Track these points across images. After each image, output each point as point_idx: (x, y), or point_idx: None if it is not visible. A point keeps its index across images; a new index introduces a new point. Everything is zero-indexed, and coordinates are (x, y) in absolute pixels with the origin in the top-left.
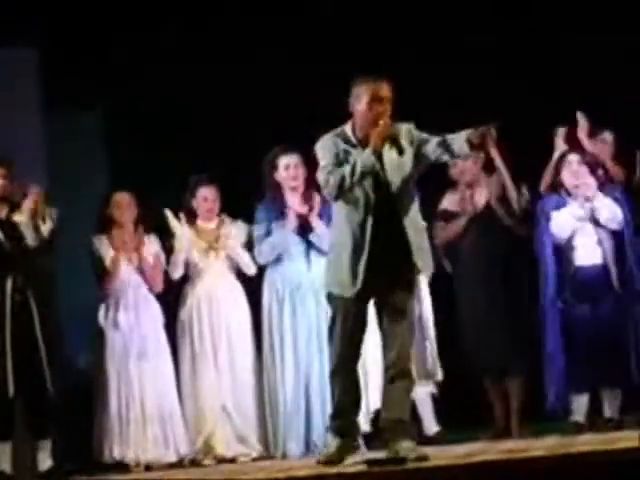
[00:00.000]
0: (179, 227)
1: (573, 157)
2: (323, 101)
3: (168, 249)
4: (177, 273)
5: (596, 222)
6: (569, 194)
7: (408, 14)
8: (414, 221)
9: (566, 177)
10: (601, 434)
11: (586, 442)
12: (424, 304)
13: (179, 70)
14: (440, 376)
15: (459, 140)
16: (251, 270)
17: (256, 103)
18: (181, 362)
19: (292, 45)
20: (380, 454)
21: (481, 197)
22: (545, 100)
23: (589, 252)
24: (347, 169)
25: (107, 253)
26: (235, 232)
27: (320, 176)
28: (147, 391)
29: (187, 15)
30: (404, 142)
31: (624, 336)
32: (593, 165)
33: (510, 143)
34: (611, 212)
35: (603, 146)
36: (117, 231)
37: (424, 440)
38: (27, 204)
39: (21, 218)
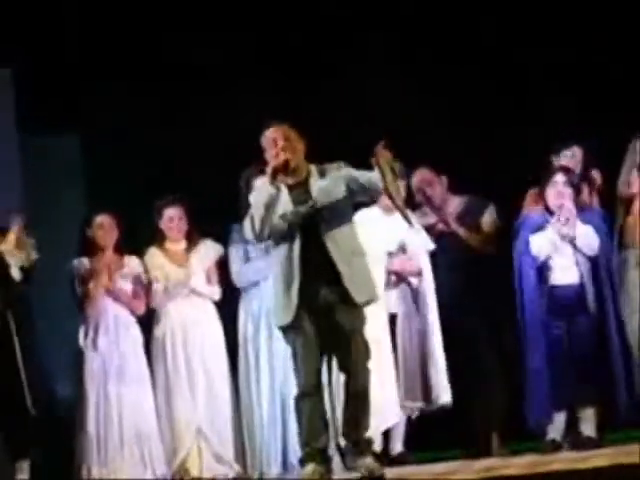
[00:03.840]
0: (151, 260)
1: (560, 177)
2: (302, 119)
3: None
4: (156, 303)
5: (574, 245)
6: (550, 212)
7: None
8: (346, 249)
9: (550, 196)
10: (578, 452)
11: (563, 460)
12: (428, 319)
13: (155, 91)
14: (445, 399)
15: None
16: (215, 297)
17: (233, 122)
18: (156, 384)
19: (265, 69)
20: (355, 474)
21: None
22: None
23: (566, 272)
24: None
25: (88, 276)
26: (204, 253)
27: None
28: (126, 412)
29: (161, 36)
30: (319, 183)
31: (599, 354)
32: (576, 187)
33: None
34: (589, 240)
35: (573, 162)
36: (98, 253)
37: (389, 460)
38: (12, 235)
39: (7, 248)
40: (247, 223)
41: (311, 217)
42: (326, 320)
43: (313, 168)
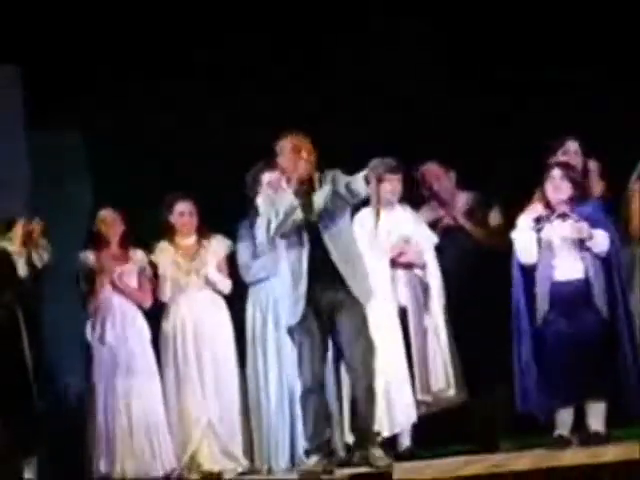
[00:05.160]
0: (161, 254)
1: (557, 172)
2: (308, 119)
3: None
4: (165, 297)
5: (581, 244)
6: (551, 209)
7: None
8: (346, 252)
9: (549, 191)
10: (586, 448)
11: (571, 456)
12: (433, 315)
13: (162, 87)
14: (452, 392)
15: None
16: (226, 290)
17: (239, 119)
18: (166, 377)
19: (266, 69)
20: (363, 469)
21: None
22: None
23: (569, 268)
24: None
25: (94, 270)
26: (214, 248)
27: None
28: (134, 406)
29: (169, 34)
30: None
31: (607, 350)
32: (576, 181)
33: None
34: (599, 243)
35: (570, 157)
36: (104, 247)
37: (397, 456)
38: (17, 233)
39: (13, 247)
40: (262, 224)
41: (316, 223)
42: (330, 321)
43: (315, 176)
